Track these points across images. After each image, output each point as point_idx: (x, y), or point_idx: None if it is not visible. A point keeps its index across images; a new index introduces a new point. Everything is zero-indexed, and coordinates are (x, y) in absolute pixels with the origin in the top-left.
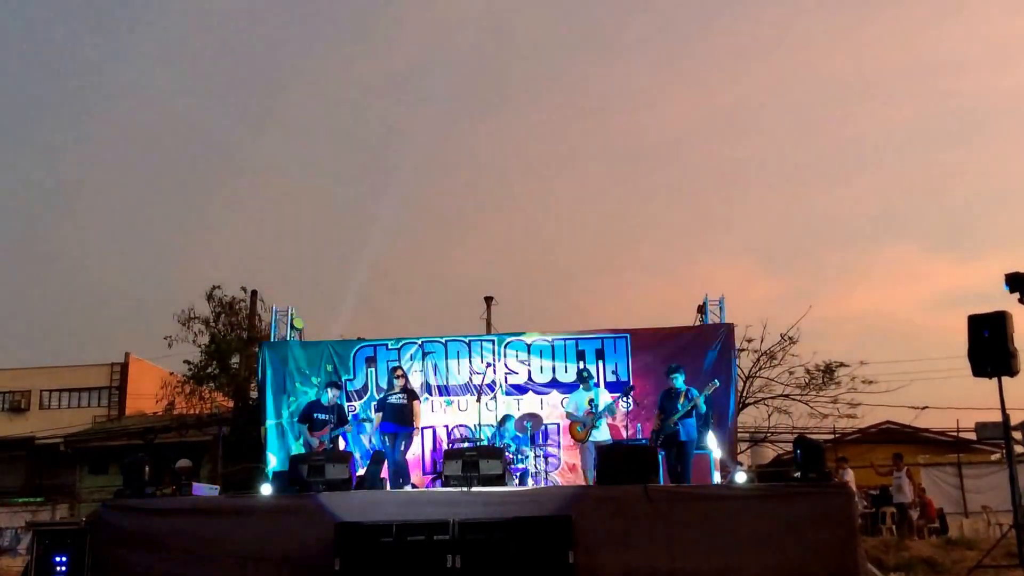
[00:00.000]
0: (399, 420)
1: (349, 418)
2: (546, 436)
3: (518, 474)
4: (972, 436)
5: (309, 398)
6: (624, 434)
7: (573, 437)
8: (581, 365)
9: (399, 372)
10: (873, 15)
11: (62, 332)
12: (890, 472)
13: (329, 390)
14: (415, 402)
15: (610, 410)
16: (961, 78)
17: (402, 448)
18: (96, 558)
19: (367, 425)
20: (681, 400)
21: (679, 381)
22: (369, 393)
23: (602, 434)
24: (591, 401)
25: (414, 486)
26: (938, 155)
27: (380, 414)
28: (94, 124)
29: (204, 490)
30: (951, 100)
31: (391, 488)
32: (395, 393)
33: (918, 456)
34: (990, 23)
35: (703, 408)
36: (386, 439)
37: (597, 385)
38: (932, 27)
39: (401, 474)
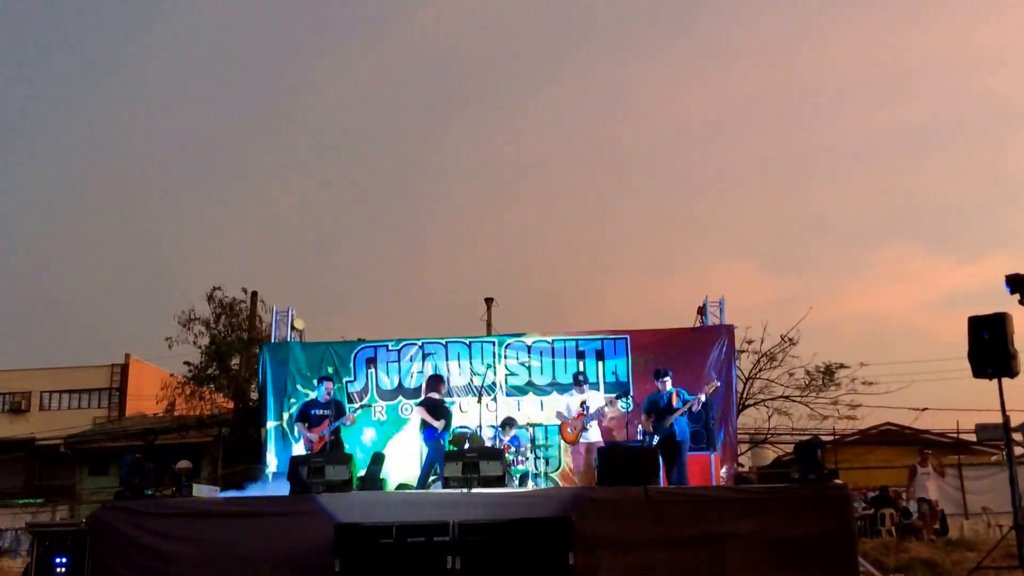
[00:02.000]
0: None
1: (348, 410)
2: (546, 437)
3: (518, 475)
4: (972, 437)
5: (309, 399)
6: (623, 435)
7: (564, 439)
8: (580, 367)
9: (435, 377)
10: (875, 15)
11: (62, 333)
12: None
13: (323, 385)
14: (440, 422)
15: (600, 413)
16: (963, 78)
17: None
18: (96, 560)
19: (371, 412)
20: (675, 400)
21: (668, 383)
22: (370, 395)
23: (592, 436)
24: (583, 404)
25: None
26: (939, 155)
27: (426, 413)
28: (94, 124)
29: (204, 491)
30: (953, 100)
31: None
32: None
33: (918, 458)
34: (991, 24)
35: (697, 409)
36: (430, 444)
37: (595, 388)
38: (934, 27)
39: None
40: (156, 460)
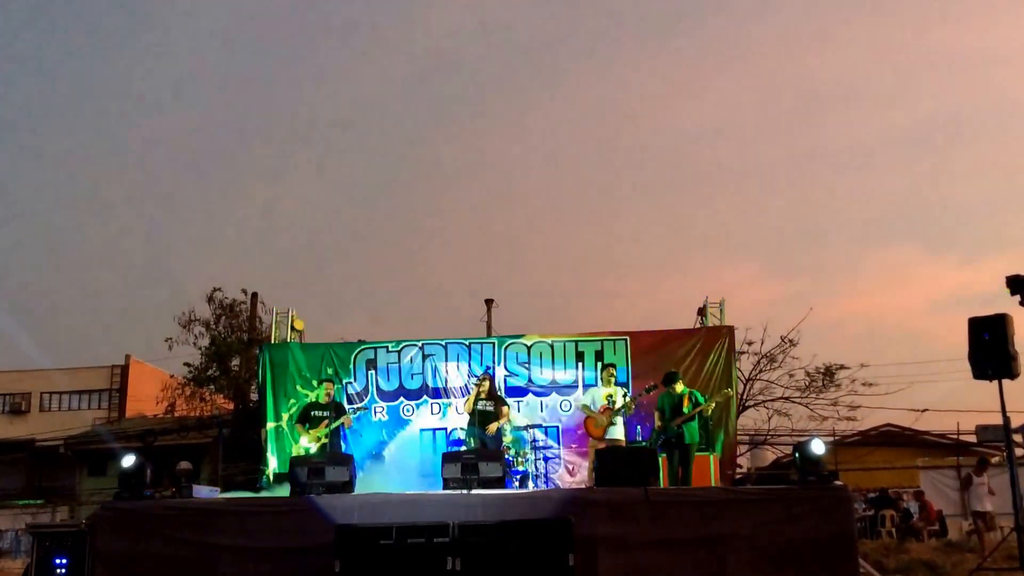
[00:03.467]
0: (483, 425)
1: (348, 411)
2: (546, 438)
3: (518, 476)
4: (972, 439)
5: (309, 400)
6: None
7: (589, 433)
8: (579, 368)
9: (483, 377)
10: (875, 15)
11: (62, 334)
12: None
13: (324, 386)
14: (503, 407)
15: (627, 408)
16: (964, 79)
17: None
18: (96, 560)
19: (371, 413)
20: (686, 403)
21: (679, 386)
22: (370, 396)
23: (619, 431)
24: (609, 397)
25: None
26: (941, 157)
27: (467, 418)
28: (95, 126)
29: (204, 492)
30: (954, 101)
31: None
32: (482, 400)
33: (917, 459)
34: (993, 25)
35: (708, 414)
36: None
37: (621, 384)
38: (935, 27)
39: None
40: (156, 461)
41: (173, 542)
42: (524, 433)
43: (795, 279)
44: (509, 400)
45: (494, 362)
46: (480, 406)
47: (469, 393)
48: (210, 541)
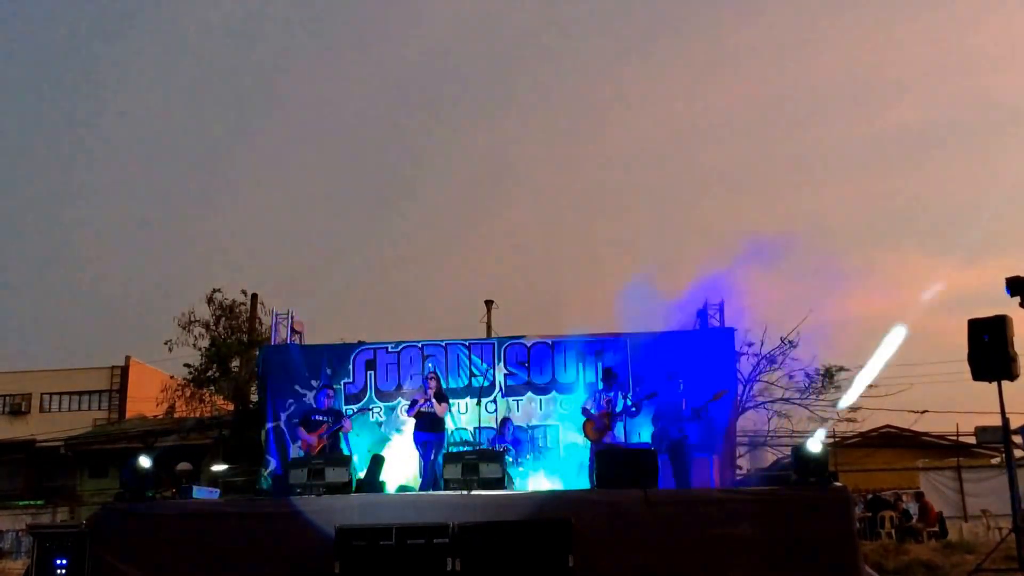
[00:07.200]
0: (431, 428)
1: (347, 413)
2: (546, 438)
3: (518, 477)
4: (972, 440)
5: (309, 401)
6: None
7: (586, 436)
8: (580, 367)
9: (431, 376)
10: (876, 18)
11: (63, 335)
12: None
13: (324, 392)
14: (442, 405)
15: (628, 413)
16: (966, 80)
17: (432, 456)
18: (96, 561)
19: (370, 414)
20: (683, 404)
21: (679, 387)
22: (368, 396)
23: (619, 434)
24: (610, 402)
25: None
26: (939, 158)
27: (414, 422)
28: (95, 126)
29: (204, 493)
30: (955, 102)
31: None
32: (427, 400)
33: (917, 460)
34: (997, 25)
35: (705, 413)
36: (419, 448)
37: (621, 386)
38: (937, 29)
39: (432, 482)
40: (156, 462)
41: (173, 543)
42: (524, 433)
43: (795, 280)
44: (508, 400)
45: (494, 362)
46: (425, 408)
47: (469, 394)
48: (210, 542)
